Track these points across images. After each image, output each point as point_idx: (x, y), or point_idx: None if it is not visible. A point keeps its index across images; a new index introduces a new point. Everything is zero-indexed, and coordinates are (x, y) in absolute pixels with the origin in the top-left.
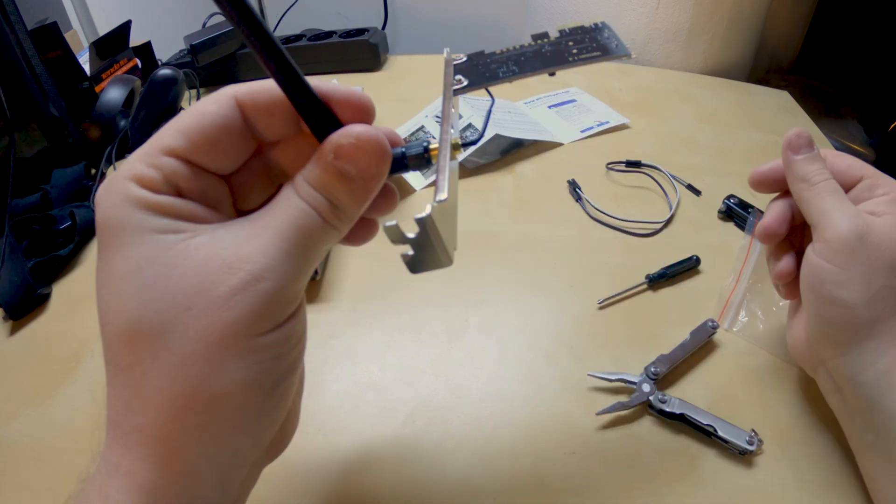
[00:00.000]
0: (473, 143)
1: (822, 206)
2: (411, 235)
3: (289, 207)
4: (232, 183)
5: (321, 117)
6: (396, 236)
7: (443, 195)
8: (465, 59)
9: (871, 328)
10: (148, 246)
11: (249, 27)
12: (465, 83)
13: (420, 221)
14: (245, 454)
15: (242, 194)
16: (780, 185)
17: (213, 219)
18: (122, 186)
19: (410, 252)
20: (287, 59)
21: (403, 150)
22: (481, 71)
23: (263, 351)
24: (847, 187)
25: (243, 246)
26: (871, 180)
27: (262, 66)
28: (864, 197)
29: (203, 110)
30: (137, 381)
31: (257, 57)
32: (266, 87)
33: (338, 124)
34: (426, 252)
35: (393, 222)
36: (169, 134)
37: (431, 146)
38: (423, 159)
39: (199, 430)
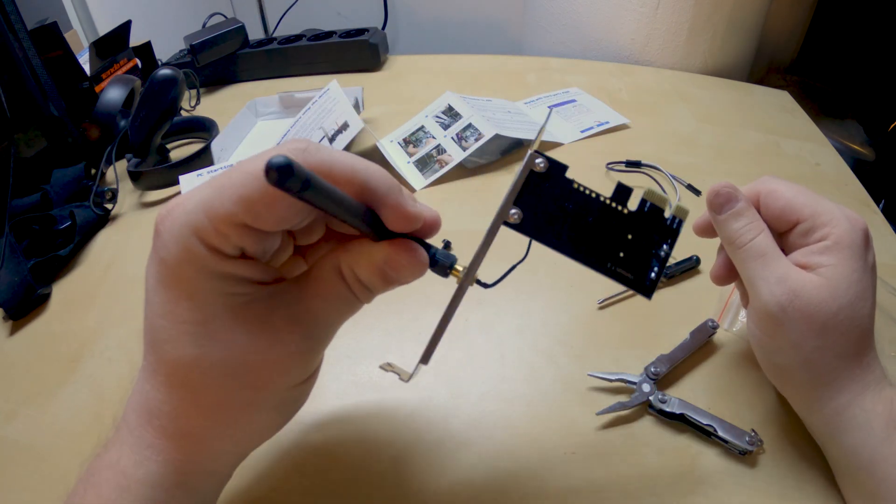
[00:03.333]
0: (487, 286)
1: (746, 274)
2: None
3: (337, 297)
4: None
5: (375, 224)
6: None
7: (425, 364)
8: (544, 164)
9: (814, 381)
10: (215, 302)
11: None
12: (518, 221)
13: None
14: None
15: (302, 233)
16: None
17: (269, 275)
18: (189, 243)
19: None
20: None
21: (434, 252)
22: (541, 209)
23: (283, 404)
24: (784, 231)
25: (286, 332)
26: (808, 223)
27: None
28: (799, 244)
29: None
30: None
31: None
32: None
33: (384, 229)
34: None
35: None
36: (230, 200)
37: (456, 266)
38: (443, 271)
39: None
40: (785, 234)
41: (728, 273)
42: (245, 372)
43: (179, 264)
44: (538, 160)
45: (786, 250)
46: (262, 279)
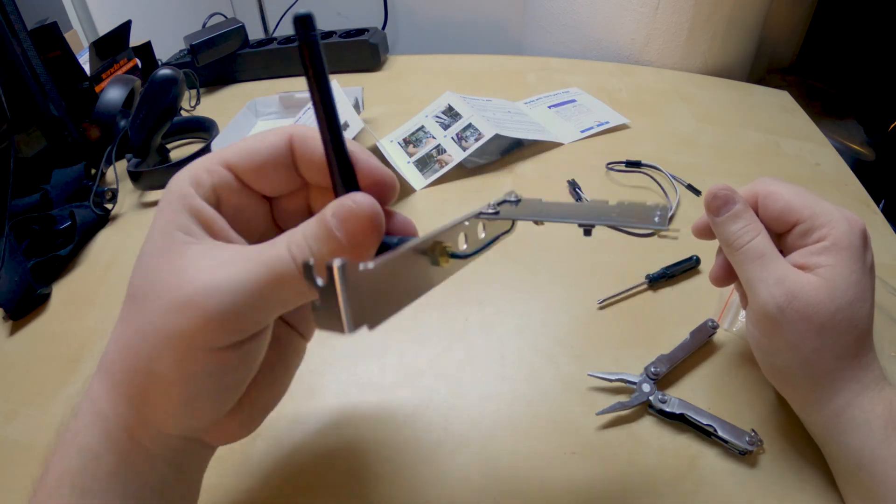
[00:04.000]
0: (463, 256)
1: (745, 275)
2: (319, 282)
3: (272, 249)
4: (277, 205)
5: (346, 179)
6: (308, 276)
7: (370, 265)
8: (516, 200)
9: (813, 382)
10: (169, 239)
11: (319, 89)
12: (494, 213)
13: (328, 268)
14: (200, 413)
15: (284, 218)
16: None
17: (231, 237)
18: (183, 184)
19: (317, 300)
20: (338, 124)
21: (398, 241)
22: (519, 209)
23: (207, 360)
24: (782, 232)
25: (217, 269)
26: (806, 224)
27: (317, 122)
28: (797, 245)
29: (263, 138)
30: (118, 329)
31: (316, 114)
32: (316, 136)
33: (355, 189)
34: (327, 308)
35: (310, 260)
36: (231, 149)
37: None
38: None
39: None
40: (783, 235)
41: (727, 275)
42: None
43: (170, 206)
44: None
45: (784, 252)
46: (221, 232)
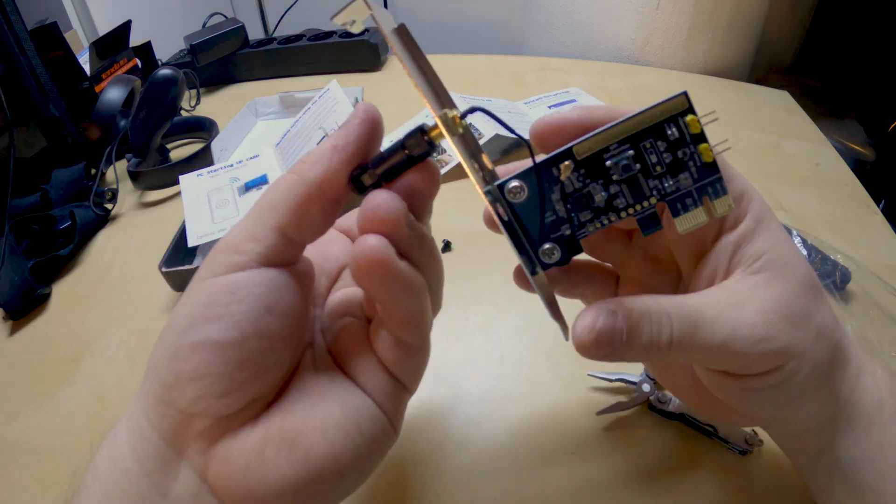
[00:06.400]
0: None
1: (696, 358)
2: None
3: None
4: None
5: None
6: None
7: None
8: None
9: (832, 363)
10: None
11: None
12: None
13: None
14: None
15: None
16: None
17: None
18: (224, 259)
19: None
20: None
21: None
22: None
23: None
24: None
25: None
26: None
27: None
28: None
29: (306, 181)
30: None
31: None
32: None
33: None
34: None
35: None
36: (279, 208)
37: (426, 128)
38: (423, 144)
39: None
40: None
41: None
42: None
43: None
44: (513, 185)
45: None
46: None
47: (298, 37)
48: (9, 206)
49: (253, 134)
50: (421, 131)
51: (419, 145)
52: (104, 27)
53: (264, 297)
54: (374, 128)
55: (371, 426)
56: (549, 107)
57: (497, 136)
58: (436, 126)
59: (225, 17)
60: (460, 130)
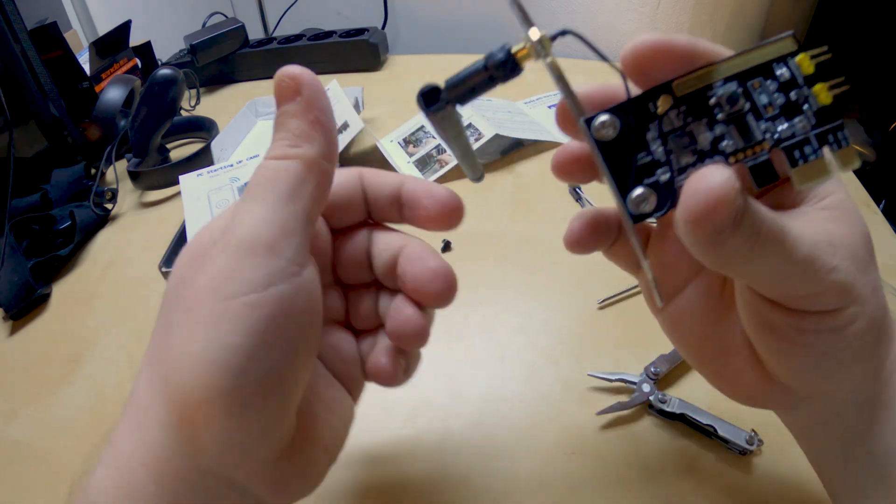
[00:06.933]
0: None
1: (773, 278)
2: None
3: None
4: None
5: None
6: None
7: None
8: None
9: (877, 337)
10: None
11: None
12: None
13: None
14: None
15: (341, 247)
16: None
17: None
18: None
19: None
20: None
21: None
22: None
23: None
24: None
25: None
26: None
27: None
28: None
29: (338, 174)
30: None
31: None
32: (383, 175)
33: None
34: None
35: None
36: (301, 194)
37: (514, 49)
38: (510, 65)
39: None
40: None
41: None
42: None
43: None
44: (602, 120)
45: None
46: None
47: (298, 36)
48: (9, 206)
49: (253, 134)
50: (507, 52)
51: (506, 67)
52: (104, 27)
53: (313, 310)
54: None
55: None
56: (549, 107)
57: (497, 137)
58: (524, 47)
59: (225, 16)
60: (551, 55)
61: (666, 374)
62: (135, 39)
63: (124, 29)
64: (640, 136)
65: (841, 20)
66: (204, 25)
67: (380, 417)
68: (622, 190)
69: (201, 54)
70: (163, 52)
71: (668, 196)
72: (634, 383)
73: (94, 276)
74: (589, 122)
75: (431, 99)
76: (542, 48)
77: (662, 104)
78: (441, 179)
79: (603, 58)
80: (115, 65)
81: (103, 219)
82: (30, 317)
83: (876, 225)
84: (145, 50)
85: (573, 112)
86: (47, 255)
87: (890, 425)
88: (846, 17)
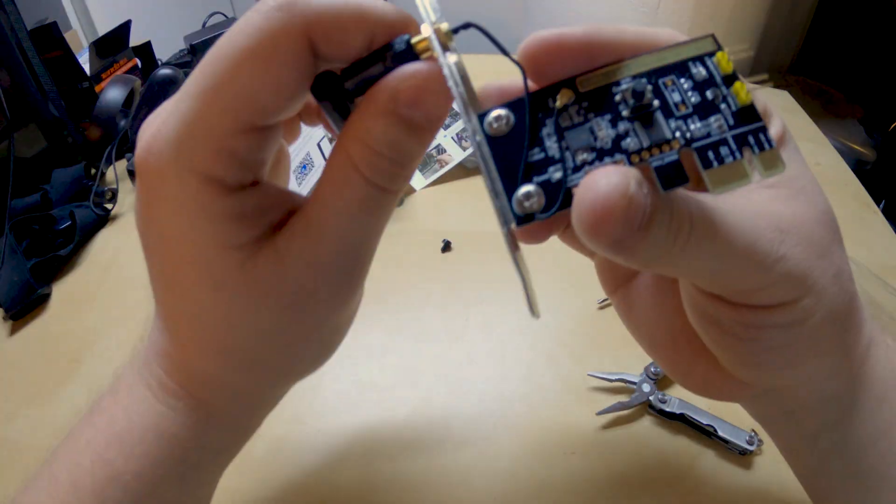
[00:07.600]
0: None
1: (709, 265)
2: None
3: (350, 190)
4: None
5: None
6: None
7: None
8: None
9: (845, 323)
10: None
11: None
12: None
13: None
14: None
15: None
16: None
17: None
18: (191, 192)
19: None
20: None
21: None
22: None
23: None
24: None
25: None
26: None
27: None
28: None
29: (274, 60)
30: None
31: None
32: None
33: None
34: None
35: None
36: (244, 103)
37: (414, 41)
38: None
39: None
40: None
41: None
42: (278, 336)
43: (180, 230)
44: (497, 114)
45: None
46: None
47: None
48: (9, 206)
49: None
50: (407, 42)
51: (404, 59)
52: (104, 27)
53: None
54: None
55: None
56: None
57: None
58: (424, 39)
59: (225, 16)
60: (452, 46)
61: (666, 375)
62: (135, 39)
63: (124, 29)
64: (534, 132)
65: (840, 21)
66: (204, 25)
67: (380, 417)
68: (508, 187)
69: (201, 54)
70: (163, 52)
71: (557, 195)
72: (634, 383)
73: (94, 276)
74: (482, 117)
75: (325, 85)
76: (438, 40)
77: (562, 98)
78: (441, 179)
79: (504, 52)
80: (115, 65)
81: (103, 219)
82: (30, 317)
83: (876, 225)
84: (145, 50)
85: (472, 108)
86: (47, 255)
87: (859, 417)
88: (846, 18)
